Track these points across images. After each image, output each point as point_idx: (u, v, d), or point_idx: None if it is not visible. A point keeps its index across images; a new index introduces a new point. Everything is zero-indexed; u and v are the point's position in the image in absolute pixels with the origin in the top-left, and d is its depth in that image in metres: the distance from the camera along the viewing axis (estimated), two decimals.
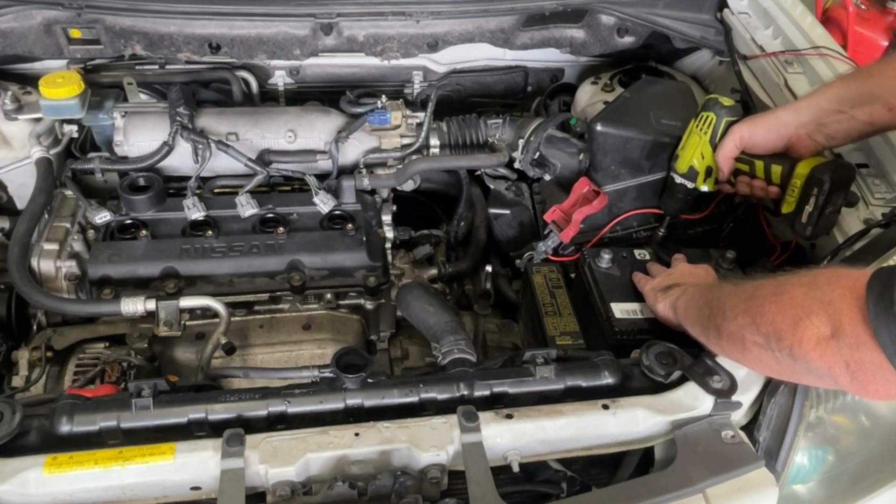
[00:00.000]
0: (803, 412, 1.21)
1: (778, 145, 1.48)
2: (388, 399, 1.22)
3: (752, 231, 1.74)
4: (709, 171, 1.58)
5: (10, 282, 1.50)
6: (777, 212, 1.54)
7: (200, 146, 1.73)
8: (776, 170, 1.49)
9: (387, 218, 1.83)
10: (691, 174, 1.60)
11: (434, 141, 1.89)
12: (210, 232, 1.67)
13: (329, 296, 1.70)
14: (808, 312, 0.99)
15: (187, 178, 1.75)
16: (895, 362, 0.88)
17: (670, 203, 1.66)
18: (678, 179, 1.63)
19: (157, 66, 1.94)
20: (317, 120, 1.86)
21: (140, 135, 1.78)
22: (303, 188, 1.82)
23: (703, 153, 1.57)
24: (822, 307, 0.97)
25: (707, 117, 1.55)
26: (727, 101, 1.55)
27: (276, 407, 1.19)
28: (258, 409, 1.19)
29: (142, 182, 1.74)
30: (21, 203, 1.81)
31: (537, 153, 1.83)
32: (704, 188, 1.61)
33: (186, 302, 1.52)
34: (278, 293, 1.67)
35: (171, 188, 1.78)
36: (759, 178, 1.53)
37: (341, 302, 1.72)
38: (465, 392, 1.24)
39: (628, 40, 2.01)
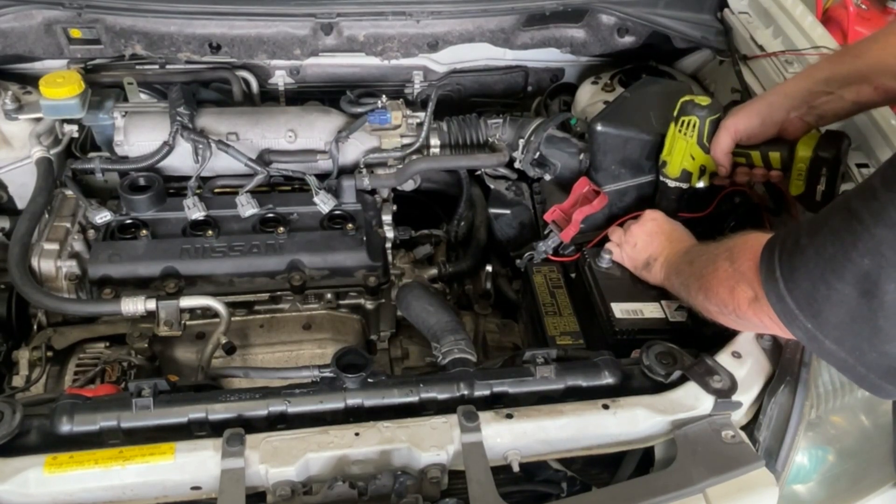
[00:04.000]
0: (803, 412, 1.22)
1: (772, 132, 1.48)
2: (388, 399, 1.22)
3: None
4: (702, 170, 1.58)
5: (11, 281, 1.50)
6: (779, 206, 1.53)
7: (201, 146, 1.73)
8: (775, 156, 1.48)
9: (387, 218, 1.83)
10: (685, 176, 1.60)
11: (434, 141, 1.88)
12: (210, 232, 1.67)
13: (329, 296, 1.70)
14: (736, 282, 1.17)
15: (187, 178, 1.75)
16: (782, 318, 1.07)
17: (665, 205, 1.66)
18: (672, 184, 1.63)
19: (157, 66, 1.94)
20: (317, 120, 1.86)
21: (140, 134, 1.78)
22: (303, 188, 1.82)
23: (692, 154, 1.56)
24: (742, 278, 1.15)
25: (689, 121, 1.53)
26: (703, 101, 1.53)
27: (277, 407, 1.19)
28: (258, 409, 1.19)
29: (142, 182, 1.74)
30: (21, 203, 1.81)
31: (538, 153, 1.83)
32: (701, 184, 1.61)
33: (187, 302, 1.52)
34: (278, 293, 1.67)
35: (171, 188, 1.78)
36: (758, 167, 1.52)
37: (341, 302, 1.72)
38: (466, 392, 1.24)
39: (628, 40, 2.01)
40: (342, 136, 1.81)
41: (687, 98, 1.56)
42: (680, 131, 1.56)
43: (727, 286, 1.19)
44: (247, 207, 1.70)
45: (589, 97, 2.03)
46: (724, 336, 1.34)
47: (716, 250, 1.26)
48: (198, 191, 1.76)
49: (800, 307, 1.04)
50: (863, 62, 1.38)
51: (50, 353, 1.53)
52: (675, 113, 1.56)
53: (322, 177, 1.81)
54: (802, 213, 1.52)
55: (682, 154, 1.57)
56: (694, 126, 1.53)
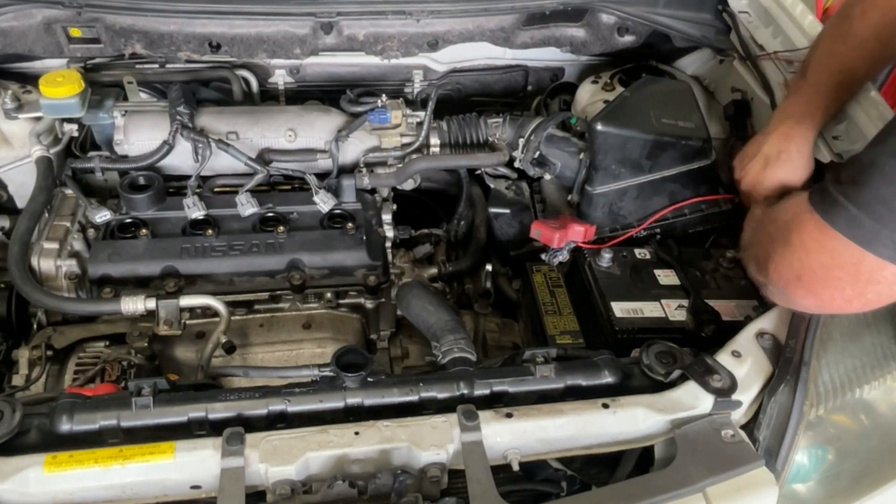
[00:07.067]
0: (803, 411, 1.21)
1: None
2: (388, 398, 1.22)
3: None
4: None
5: (11, 280, 1.50)
6: None
7: (200, 145, 1.73)
8: None
9: (387, 217, 1.83)
10: None
11: (434, 140, 1.88)
12: (210, 231, 1.67)
13: (329, 295, 1.70)
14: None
15: (187, 177, 1.75)
16: (859, 241, 1.07)
17: None
18: None
19: (157, 65, 1.94)
20: (317, 119, 1.86)
21: (140, 134, 1.78)
22: (303, 187, 1.82)
23: None
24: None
25: None
26: None
27: (276, 406, 1.19)
28: (258, 408, 1.19)
29: (142, 181, 1.74)
30: (21, 202, 1.80)
31: (537, 152, 1.83)
32: None
33: (186, 301, 1.52)
34: (278, 292, 1.67)
35: (171, 187, 1.78)
36: None
37: (341, 301, 1.72)
38: (465, 391, 1.24)
39: (629, 39, 2.00)
40: (342, 135, 1.81)
41: None
42: None
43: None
44: (247, 207, 1.70)
45: (589, 96, 2.02)
46: (724, 335, 1.34)
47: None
48: (198, 190, 1.76)
49: (881, 221, 1.03)
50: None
51: (50, 353, 1.53)
52: None
53: (322, 176, 1.80)
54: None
55: None
56: None
